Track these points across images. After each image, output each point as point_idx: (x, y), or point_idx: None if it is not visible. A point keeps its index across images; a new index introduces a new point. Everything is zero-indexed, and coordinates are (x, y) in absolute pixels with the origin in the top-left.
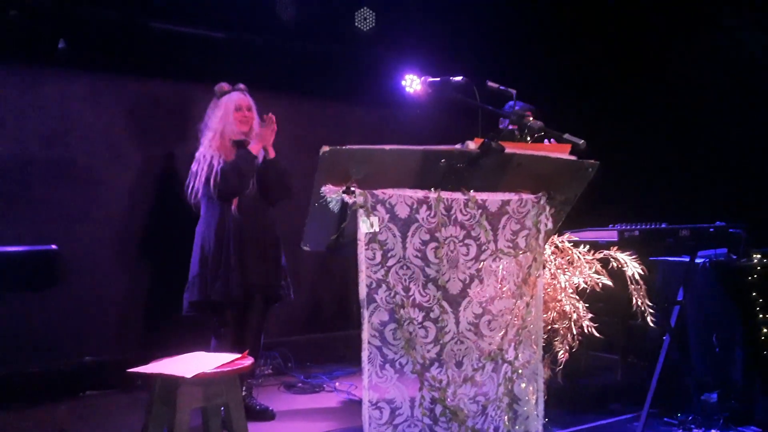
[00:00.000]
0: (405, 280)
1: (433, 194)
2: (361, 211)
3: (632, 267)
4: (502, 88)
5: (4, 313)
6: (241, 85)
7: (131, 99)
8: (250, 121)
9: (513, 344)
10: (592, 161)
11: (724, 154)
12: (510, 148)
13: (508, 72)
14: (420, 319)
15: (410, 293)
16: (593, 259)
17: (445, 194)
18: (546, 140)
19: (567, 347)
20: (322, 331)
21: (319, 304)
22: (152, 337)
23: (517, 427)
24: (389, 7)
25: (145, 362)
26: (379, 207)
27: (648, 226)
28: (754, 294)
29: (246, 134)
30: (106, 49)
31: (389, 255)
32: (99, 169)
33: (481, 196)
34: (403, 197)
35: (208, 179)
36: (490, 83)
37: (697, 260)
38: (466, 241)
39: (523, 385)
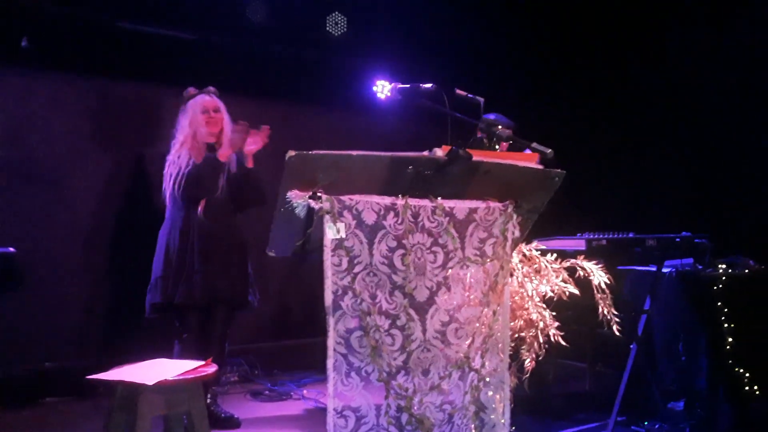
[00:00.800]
0: (372, 287)
1: (400, 201)
2: (327, 216)
3: (599, 276)
4: (470, 96)
5: None
6: (211, 88)
7: (97, 100)
8: (219, 123)
9: (480, 352)
10: (559, 170)
11: (692, 164)
12: (477, 156)
13: (481, 79)
14: (386, 326)
15: (377, 300)
16: (560, 267)
17: (412, 201)
18: (527, 150)
19: (534, 355)
20: (289, 337)
21: (287, 310)
22: (114, 343)
23: None
24: (361, 13)
25: (107, 368)
26: (345, 213)
27: (615, 236)
28: (718, 303)
29: (216, 135)
30: (71, 48)
31: (356, 261)
32: (62, 171)
33: (448, 203)
34: (370, 203)
35: (174, 181)
36: (458, 90)
37: (664, 270)
38: (434, 249)
39: (490, 393)
